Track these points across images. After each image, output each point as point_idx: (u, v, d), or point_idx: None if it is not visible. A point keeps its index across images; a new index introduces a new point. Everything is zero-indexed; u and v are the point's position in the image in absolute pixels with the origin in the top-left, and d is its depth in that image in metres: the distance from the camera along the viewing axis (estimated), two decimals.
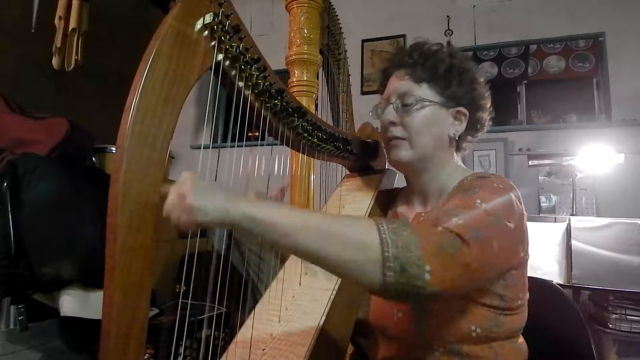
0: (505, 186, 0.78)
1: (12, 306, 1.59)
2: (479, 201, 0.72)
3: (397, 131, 0.91)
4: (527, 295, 0.86)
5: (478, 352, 0.78)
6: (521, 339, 0.88)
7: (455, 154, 0.95)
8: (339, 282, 0.85)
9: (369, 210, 1.02)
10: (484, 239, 0.66)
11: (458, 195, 0.79)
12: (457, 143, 0.94)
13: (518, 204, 0.79)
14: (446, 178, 0.92)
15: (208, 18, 0.63)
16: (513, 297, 0.81)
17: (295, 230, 0.60)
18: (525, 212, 0.81)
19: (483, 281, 0.74)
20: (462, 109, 0.90)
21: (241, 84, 0.73)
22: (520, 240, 0.79)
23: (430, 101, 0.89)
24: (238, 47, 0.69)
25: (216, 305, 1.75)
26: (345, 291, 0.84)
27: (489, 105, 0.95)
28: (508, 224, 0.73)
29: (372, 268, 0.59)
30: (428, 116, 0.89)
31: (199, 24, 0.63)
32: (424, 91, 0.89)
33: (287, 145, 0.90)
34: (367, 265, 0.59)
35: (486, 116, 0.95)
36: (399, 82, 0.92)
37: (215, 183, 0.64)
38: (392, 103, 0.92)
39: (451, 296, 0.68)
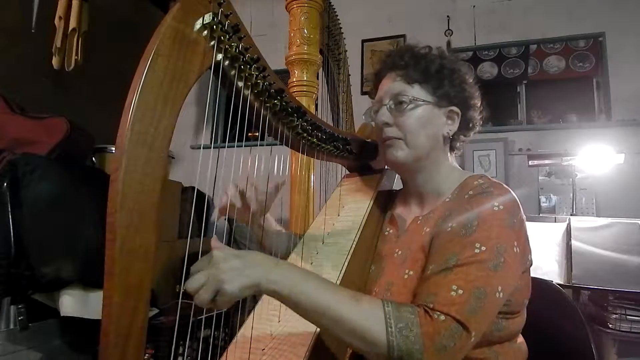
0: (504, 204, 0.78)
1: (12, 306, 1.59)
2: (478, 245, 0.72)
3: (391, 131, 0.91)
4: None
5: (478, 354, 0.79)
6: (521, 339, 0.88)
7: (449, 154, 0.96)
8: (338, 282, 0.85)
9: (368, 210, 1.03)
10: (485, 300, 0.69)
11: (456, 232, 0.77)
12: (451, 143, 0.95)
13: (518, 216, 0.79)
14: (442, 179, 0.92)
15: (207, 18, 0.63)
16: (518, 302, 0.82)
17: (313, 313, 0.67)
18: (524, 217, 0.81)
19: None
20: (454, 108, 0.91)
21: (241, 83, 0.73)
22: (525, 256, 0.80)
23: (424, 101, 0.89)
24: (237, 46, 0.69)
25: None
26: None
27: (479, 105, 0.96)
28: (511, 250, 0.74)
29: (379, 358, 0.67)
30: (422, 116, 0.89)
31: (198, 24, 0.63)
32: (417, 91, 0.90)
33: (287, 145, 0.90)
34: (374, 356, 0.67)
35: (477, 116, 0.96)
36: (392, 84, 0.93)
37: (241, 255, 0.66)
38: (385, 104, 0.92)
39: None
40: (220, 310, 0.65)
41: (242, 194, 0.94)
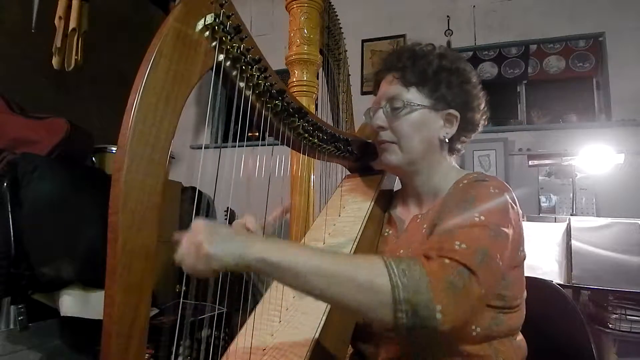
0: (500, 189, 0.79)
1: (12, 306, 1.59)
2: (477, 214, 0.72)
3: (386, 135, 0.92)
4: (525, 293, 0.86)
5: (478, 350, 0.79)
6: (520, 336, 0.88)
7: (448, 155, 0.95)
8: None
9: (369, 211, 1.03)
10: (489, 259, 0.67)
11: (455, 206, 0.77)
12: (450, 145, 0.94)
13: (514, 205, 0.79)
14: (440, 180, 0.92)
15: (209, 19, 0.63)
16: (513, 296, 0.81)
17: (307, 274, 0.61)
18: (520, 211, 0.82)
19: (491, 297, 0.76)
20: (452, 111, 0.90)
21: (242, 84, 0.73)
22: (518, 242, 0.80)
23: (419, 105, 0.89)
24: (239, 47, 0.69)
25: (217, 305, 1.75)
26: None
27: (482, 105, 0.95)
28: (507, 230, 0.74)
29: (384, 310, 0.60)
30: (416, 120, 0.89)
31: (200, 25, 0.63)
32: (413, 95, 0.90)
33: (288, 145, 0.90)
34: (378, 308, 0.60)
35: (479, 117, 0.95)
36: (389, 87, 0.93)
37: (227, 227, 0.65)
38: (382, 107, 0.93)
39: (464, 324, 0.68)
40: (205, 276, 0.62)
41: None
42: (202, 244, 0.60)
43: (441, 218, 0.78)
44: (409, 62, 0.91)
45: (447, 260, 0.63)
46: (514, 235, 0.76)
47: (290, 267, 0.61)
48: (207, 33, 0.64)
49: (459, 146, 0.96)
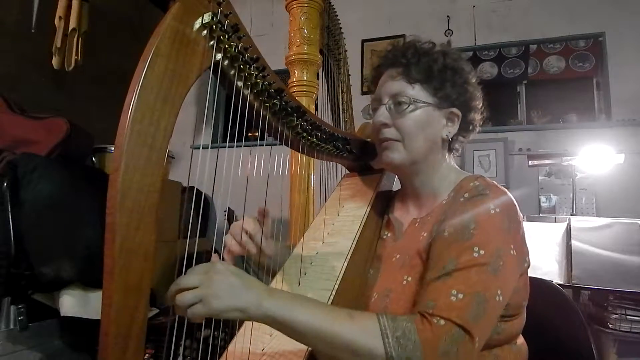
0: (501, 207, 0.77)
1: (12, 306, 1.59)
2: (477, 249, 0.72)
3: (389, 133, 0.89)
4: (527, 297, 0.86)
5: (478, 358, 0.78)
6: (521, 340, 0.87)
7: (447, 155, 0.93)
8: (338, 282, 0.85)
9: (368, 211, 1.02)
10: (486, 306, 0.68)
11: (454, 234, 0.76)
12: (449, 144, 0.93)
13: (515, 218, 0.78)
14: (439, 181, 0.91)
15: (207, 17, 0.63)
16: (516, 304, 0.81)
17: (308, 335, 0.65)
18: (521, 215, 0.81)
19: None
20: (455, 110, 0.89)
21: (240, 83, 0.73)
22: (522, 258, 0.79)
23: (424, 102, 0.87)
24: (237, 46, 0.69)
25: None
26: (344, 293, 0.84)
27: (481, 106, 0.94)
28: (509, 253, 0.73)
29: None
30: (421, 118, 0.87)
31: (197, 24, 0.62)
32: (418, 92, 0.87)
33: (287, 145, 0.90)
34: None
35: (478, 117, 0.94)
36: (392, 82, 0.90)
37: (234, 274, 0.64)
38: (384, 104, 0.90)
39: None
40: (191, 321, 0.61)
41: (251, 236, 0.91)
42: (209, 296, 0.60)
43: (440, 242, 0.78)
44: (414, 59, 0.88)
45: (442, 322, 0.65)
46: (517, 252, 0.75)
47: (294, 328, 0.64)
48: (205, 32, 0.64)
49: (457, 146, 0.95)
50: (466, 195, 0.82)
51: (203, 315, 0.61)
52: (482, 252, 0.71)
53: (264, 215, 0.94)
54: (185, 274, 0.63)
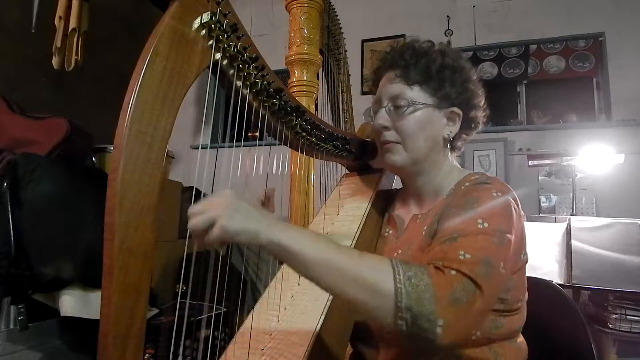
0: (503, 193, 0.78)
1: (12, 306, 1.59)
2: (481, 221, 0.71)
3: (390, 135, 0.90)
4: (526, 295, 0.86)
5: (478, 354, 0.78)
6: (521, 338, 0.87)
7: (450, 154, 0.94)
8: None
9: (367, 210, 1.02)
10: (493, 269, 0.66)
11: (458, 209, 0.76)
12: (452, 143, 0.93)
13: (516, 208, 0.78)
14: (441, 180, 0.91)
15: (206, 17, 0.63)
16: (513, 299, 0.81)
17: (316, 264, 0.62)
18: (522, 213, 0.81)
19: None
20: (455, 109, 0.89)
21: (239, 83, 0.73)
22: (520, 246, 0.80)
23: (423, 103, 0.87)
24: (236, 46, 0.69)
25: (215, 305, 1.75)
26: None
27: (483, 103, 0.93)
28: (509, 236, 0.73)
29: (385, 313, 0.61)
30: (421, 119, 0.87)
31: (196, 23, 0.62)
32: (417, 93, 0.87)
33: (286, 144, 0.90)
34: (380, 310, 0.61)
35: (480, 114, 0.94)
36: (391, 85, 0.90)
37: (248, 202, 0.64)
38: (384, 106, 0.90)
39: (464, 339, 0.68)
40: (209, 247, 0.61)
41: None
42: (222, 217, 0.60)
43: (443, 221, 0.78)
44: (412, 60, 0.88)
45: (453, 272, 0.63)
46: (515, 240, 0.75)
47: (301, 254, 0.62)
48: (204, 31, 0.64)
49: (460, 144, 0.95)
50: (467, 184, 0.83)
51: (218, 239, 0.60)
52: (485, 224, 0.71)
53: (269, 198, 0.94)
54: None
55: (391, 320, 0.60)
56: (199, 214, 0.61)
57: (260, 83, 0.75)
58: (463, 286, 0.62)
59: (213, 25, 0.64)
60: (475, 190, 0.79)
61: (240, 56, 0.70)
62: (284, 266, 0.96)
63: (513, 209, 0.77)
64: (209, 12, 0.64)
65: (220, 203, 0.61)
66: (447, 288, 0.61)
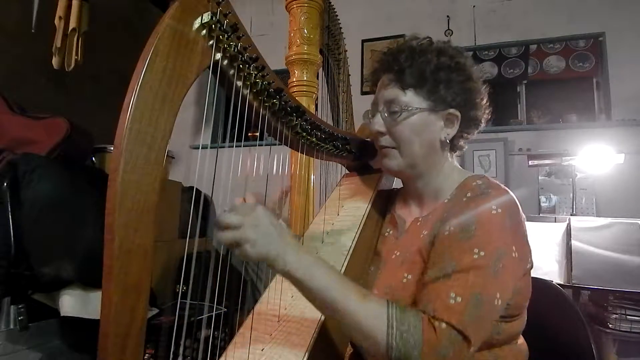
0: (503, 206, 0.77)
1: (12, 306, 1.59)
2: (477, 250, 0.72)
3: (385, 140, 0.89)
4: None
5: (478, 357, 0.78)
6: (521, 340, 0.87)
7: (450, 155, 0.92)
8: None
9: (368, 210, 1.02)
10: (484, 309, 0.69)
11: (455, 234, 0.76)
12: (452, 142, 0.91)
13: (517, 218, 0.78)
14: (442, 181, 0.90)
15: (206, 17, 0.63)
16: (517, 305, 0.81)
17: (322, 301, 0.69)
18: (524, 218, 0.81)
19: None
20: (453, 110, 0.87)
21: (239, 83, 0.73)
22: (524, 259, 0.79)
23: (417, 108, 0.85)
24: (236, 46, 0.69)
25: (215, 305, 1.75)
26: None
27: (484, 101, 0.91)
28: (510, 254, 0.73)
29: (377, 356, 0.68)
30: (416, 124, 0.86)
31: (196, 23, 0.62)
32: (410, 98, 0.86)
33: (286, 144, 0.90)
34: (374, 353, 0.69)
35: (481, 114, 0.91)
36: (386, 90, 0.89)
37: (271, 222, 0.68)
38: (379, 111, 0.90)
39: None
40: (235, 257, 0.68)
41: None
42: (247, 240, 0.64)
43: (440, 243, 0.78)
44: (407, 63, 0.86)
45: (443, 325, 0.66)
46: (518, 253, 0.75)
47: (309, 292, 0.69)
48: (204, 32, 0.64)
49: (461, 143, 0.94)
50: (469, 194, 0.82)
51: (239, 257, 0.66)
52: (482, 253, 0.71)
53: (285, 195, 0.95)
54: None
55: None
56: (227, 228, 0.65)
57: (260, 83, 0.75)
58: (450, 340, 0.66)
59: (213, 26, 0.64)
60: (475, 204, 0.78)
61: (240, 56, 0.70)
62: None
63: (512, 221, 0.77)
64: (210, 12, 0.64)
65: (252, 224, 0.65)
66: (436, 345, 0.65)
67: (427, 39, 0.91)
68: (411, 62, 0.86)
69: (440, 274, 0.72)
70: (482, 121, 0.93)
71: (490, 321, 0.72)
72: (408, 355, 0.64)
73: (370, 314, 0.67)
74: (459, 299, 0.68)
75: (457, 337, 0.66)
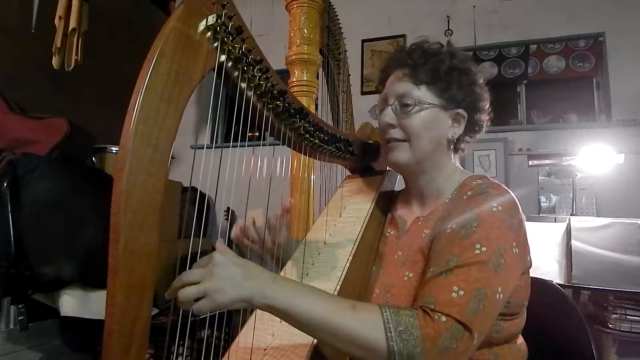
0: (503, 205, 0.78)
1: (12, 306, 1.59)
2: (479, 246, 0.72)
3: (395, 133, 0.90)
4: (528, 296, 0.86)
5: (478, 356, 0.78)
6: (521, 339, 0.88)
7: (453, 155, 0.95)
8: (340, 283, 0.85)
9: (370, 212, 1.03)
10: (487, 302, 0.69)
11: (457, 231, 0.76)
12: (455, 144, 0.94)
13: (517, 217, 0.79)
14: (444, 181, 0.92)
15: (211, 19, 0.63)
16: (517, 303, 0.81)
17: (311, 326, 0.66)
18: (523, 218, 0.81)
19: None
20: (461, 111, 0.90)
21: (244, 85, 0.73)
22: (524, 257, 0.80)
23: (430, 103, 0.88)
24: (241, 48, 0.69)
25: None
26: (346, 293, 0.84)
27: (487, 106, 0.94)
28: (510, 251, 0.74)
29: None
30: (427, 118, 0.88)
31: (202, 25, 0.63)
32: (423, 93, 0.88)
33: (289, 146, 0.90)
34: None
35: (484, 117, 0.95)
36: (398, 83, 0.91)
37: (237, 264, 0.64)
38: (390, 105, 0.91)
39: None
40: (198, 315, 0.62)
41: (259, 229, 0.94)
42: (214, 290, 0.60)
43: (441, 240, 0.78)
44: (421, 60, 0.89)
45: (443, 318, 0.66)
46: (518, 252, 0.76)
47: (296, 318, 0.65)
48: (209, 34, 0.64)
49: (463, 146, 0.96)
50: (469, 193, 0.83)
51: (207, 311, 0.61)
52: (483, 249, 0.72)
53: (287, 211, 0.96)
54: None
55: None
56: (189, 283, 0.61)
57: (264, 85, 0.76)
58: (452, 333, 0.65)
59: (218, 28, 0.64)
60: (475, 204, 0.79)
61: (244, 58, 0.71)
62: (286, 267, 0.97)
63: (513, 220, 0.77)
64: (214, 14, 0.64)
65: (212, 273, 0.61)
66: (436, 338, 0.64)
67: (437, 43, 0.94)
68: (425, 60, 0.89)
69: (442, 270, 0.72)
70: (484, 126, 0.96)
71: (492, 315, 0.72)
72: (411, 355, 0.63)
73: (364, 323, 0.66)
74: (462, 293, 0.68)
75: (459, 329, 0.65)
